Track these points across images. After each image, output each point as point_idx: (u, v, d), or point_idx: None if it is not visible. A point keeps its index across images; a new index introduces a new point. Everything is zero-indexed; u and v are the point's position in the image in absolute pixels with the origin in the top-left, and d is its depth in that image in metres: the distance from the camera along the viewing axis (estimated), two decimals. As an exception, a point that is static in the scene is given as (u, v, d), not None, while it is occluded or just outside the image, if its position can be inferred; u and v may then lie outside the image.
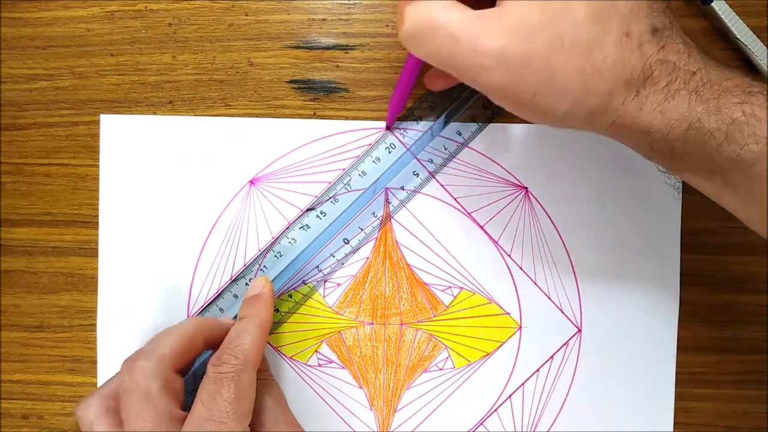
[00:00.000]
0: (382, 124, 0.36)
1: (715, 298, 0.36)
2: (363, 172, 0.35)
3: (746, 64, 0.36)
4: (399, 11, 0.27)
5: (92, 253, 0.37)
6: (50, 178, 0.37)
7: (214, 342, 0.32)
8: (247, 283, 0.35)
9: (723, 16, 0.35)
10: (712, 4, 0.35)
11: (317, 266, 0.36)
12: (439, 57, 0.26)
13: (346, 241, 0.36)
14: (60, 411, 0.37)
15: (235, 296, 0.35)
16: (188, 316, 0.36)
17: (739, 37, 0.35)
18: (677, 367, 0.36)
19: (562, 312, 0.36)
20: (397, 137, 0.35)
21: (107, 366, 0.36)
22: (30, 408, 0.37)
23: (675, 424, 0.36)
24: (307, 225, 0.35)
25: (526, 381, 0.36)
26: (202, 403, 0.29)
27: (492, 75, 0.25)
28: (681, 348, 0.36)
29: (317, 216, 0.35)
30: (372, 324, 0.36)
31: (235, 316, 0.34)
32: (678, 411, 0.36)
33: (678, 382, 0.36)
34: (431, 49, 0.27)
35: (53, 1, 0.36)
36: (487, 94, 0.27)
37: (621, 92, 0.25)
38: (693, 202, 0.36)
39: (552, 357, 0.36)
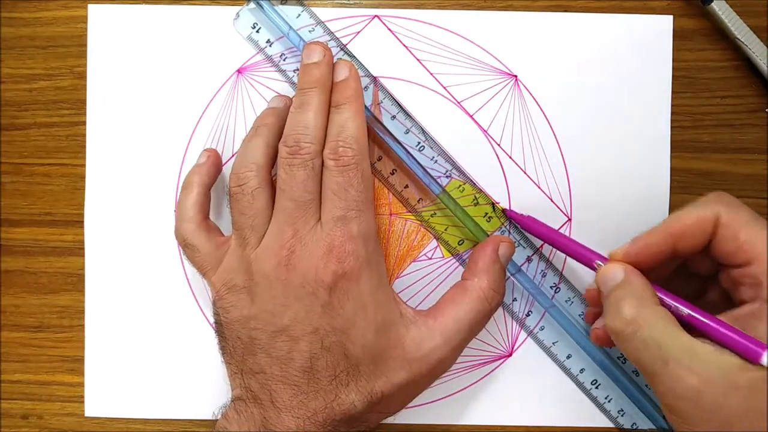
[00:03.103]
0: (373, 11, 0.36)
1: (715, 298, 0.36)
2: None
3: (746, 64, 0.36)
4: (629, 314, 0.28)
5: (92, 253, 0.37)
6: (50, 178, 0.37)
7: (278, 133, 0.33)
8: None
9: (723, 16, 0.35)
10: (712, 4, 0.35)
11: None
12: (640, 365, 0.27)
13: None
14: (60, 411, 0.37)
15: None
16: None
17: (739, 37, 0.35)
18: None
19: (552, 201, 0.36)
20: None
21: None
22: (30, 408, 0.37)
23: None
24: None
25: (516, 273, 0.36)
26: (336, 196, 0.30)
27: (678, 406, 0.26)
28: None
29: None
30: None
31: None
32: (678, 411, 0.36)
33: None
34: (634, 355, 0.27)
35: (53, 1, 0.36)
36: (660, 401, 0.27)
37: None
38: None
39: (541, 247, 0.36)
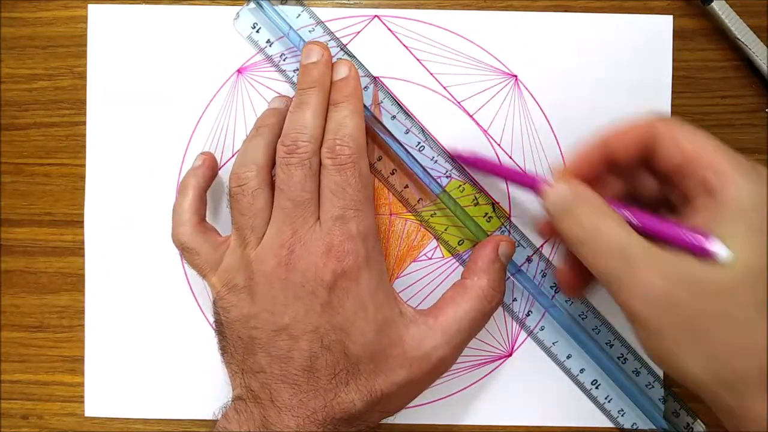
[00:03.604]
0: (373, 11, 0.36)
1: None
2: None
3: (746, 65, 0.36)
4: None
5: (92, 253, 0.37)
6: (50, 178, 0.37)
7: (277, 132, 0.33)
8: None
9: (723, 16, 0.35)
10: (712, 3, 0.35)
11: None
12: (604, 272, 0.26)
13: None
14: (60, 411, 0.37)
15: None
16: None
17: (739, 37, 0.35)
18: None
19: None
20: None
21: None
22: (30, 408, 0.37)
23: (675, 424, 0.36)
24: None
25: (515, 272, 0.36)
26: (334, 195, 0.30)
27: (646, 313, 0.25)
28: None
29: None
30: None
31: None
32: (678, 411, 0.36)
33: (677, 382, 0.36)
34: (596, 260, 0.27)
35: (53, 1, 0.36)
36: (625, 312, 0.26)
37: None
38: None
39: (541, 247, 0.36)
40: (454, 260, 0.36)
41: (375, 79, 0.36)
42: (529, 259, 0.36)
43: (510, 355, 0.36)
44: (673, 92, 0.36)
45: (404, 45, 0.36)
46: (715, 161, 0.26)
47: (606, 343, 0.36)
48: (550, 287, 0.36)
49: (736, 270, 0.25)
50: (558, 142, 0.36)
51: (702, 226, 0.26)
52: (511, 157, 0.36)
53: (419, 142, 0.36)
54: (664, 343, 0.26)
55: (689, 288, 0.25)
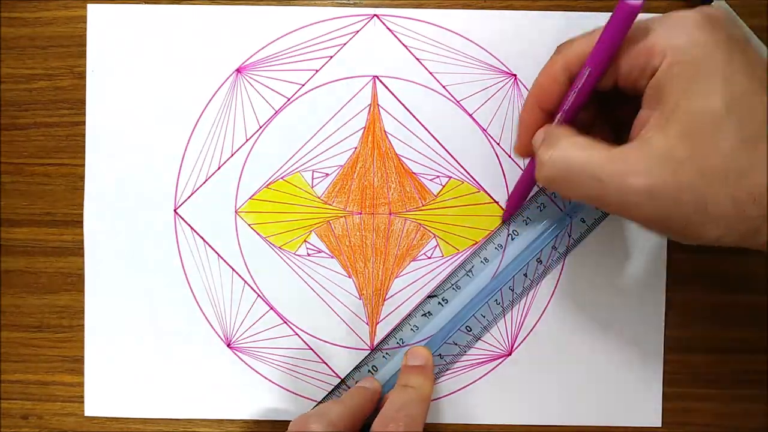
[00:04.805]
0: (372, 10, 0.36)
1: (715, 298, 0.36)
2: (485, 259, 0.36)
3: (746, 64, 0.36)
4: (537, 157, 0.28)
5: (92, 253, 0.37)
6: (50, 178, 0.37)
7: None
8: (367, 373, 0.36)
9: (723, 16, 0.35)
10: (712, 4, 0.35)
11: (440, 354, 0.36)
12: (585, 197, 0.27)
13: (468, 329, 0.36)
14: (59, 411, 0.37)
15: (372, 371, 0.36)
16: (175, 205, 0.36)
17: (739, 36, 0.35)
18: (677, 367, 0.36)
19: (552, 200, 0.36)
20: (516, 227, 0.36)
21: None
22: (30, 408, 0.37)
23: (675, 424, 0.36)
24: (429, 312, 0.36)
25: (516, 273, 0.36)
26: None
27: (642, 210, 0.25)
28: (681, 348, 0.36)
29: (439, 303, 0.36)
30: (361, 214, 0.36)
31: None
32: (678, 411, 0.36)
33: (678, 382, 0.36)
34: (576, 192, 0.27)
35: (53, 0, 0.37)
36: (637, 223, 0.27)
37: None
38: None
39: (541, 235, 0.36)
40: (454, 259, 0.36)
41: (374, 78, 0.36)
42: (539, 260, 0.36)
43: (509, 354, 0.36)
44: (672, 92, 0.36)
45: (403, 44, 0.36)
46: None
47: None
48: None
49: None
50: None
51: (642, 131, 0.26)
52: (510, 156, 0.36)
53: (419, 142, 0.36)
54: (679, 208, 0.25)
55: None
